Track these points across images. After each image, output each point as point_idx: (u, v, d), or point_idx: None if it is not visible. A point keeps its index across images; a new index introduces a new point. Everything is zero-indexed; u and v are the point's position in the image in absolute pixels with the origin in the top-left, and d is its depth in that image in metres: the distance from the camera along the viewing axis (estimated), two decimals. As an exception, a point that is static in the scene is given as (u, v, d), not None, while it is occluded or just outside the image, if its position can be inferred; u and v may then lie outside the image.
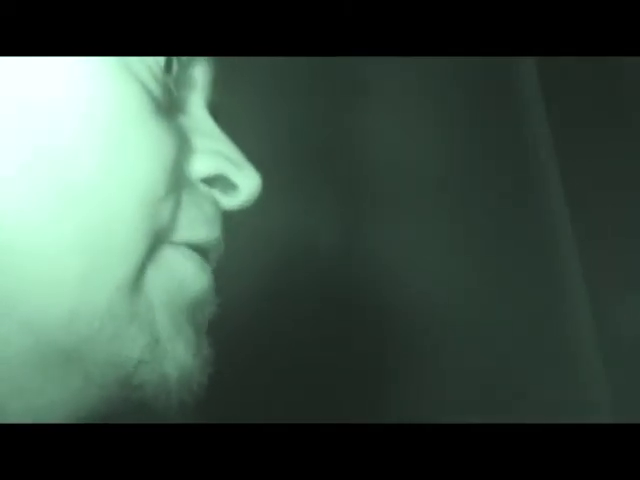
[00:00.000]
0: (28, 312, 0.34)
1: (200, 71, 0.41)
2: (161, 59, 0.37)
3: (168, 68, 0.38)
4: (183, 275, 0.39)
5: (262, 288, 0.86)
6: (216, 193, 0.41)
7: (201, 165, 0.40)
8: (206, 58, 0.41)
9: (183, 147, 0.38)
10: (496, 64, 1.30)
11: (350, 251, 1.04)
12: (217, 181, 0.41)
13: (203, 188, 0.41)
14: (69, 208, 0.34)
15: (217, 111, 0.43)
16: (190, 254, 0.39)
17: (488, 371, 1.14)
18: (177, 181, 0.37)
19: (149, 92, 0.36)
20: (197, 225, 0.39)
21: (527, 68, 1.36)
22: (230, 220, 0.42)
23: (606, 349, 1.29)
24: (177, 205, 0.38)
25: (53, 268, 0.34)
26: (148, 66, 0.37)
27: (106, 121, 0.35)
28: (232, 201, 0.42)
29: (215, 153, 0.41)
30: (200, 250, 0.40)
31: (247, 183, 0.41)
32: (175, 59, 0.38)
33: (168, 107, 0.38)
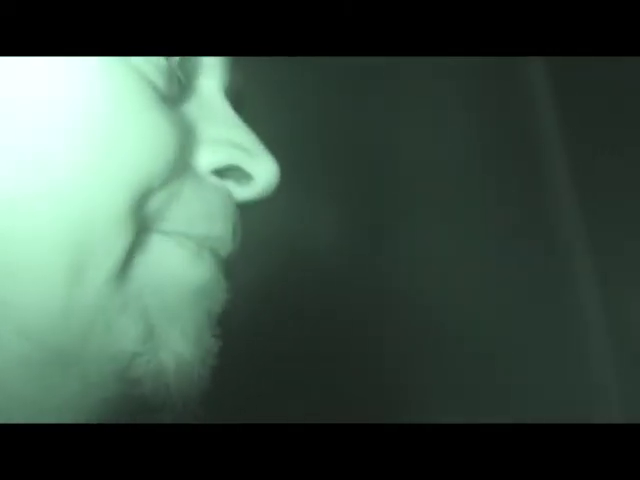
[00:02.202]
0: (22, 318, 0.33)
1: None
2: None
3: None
4: (175, 264, 0.37)
5: (267, 285, 0.86)
6: (230, 184, 0.40)
7: (211, 156, 0.39)
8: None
9: (187, 137, 0.37)
10: (505, 64, 1.30)
11: (354, 251, 1.04)
12: (231, 172, 0.39)
13: (213, 180, 0.39)
14: (53, 206, 0.33)
15: (240, 94, 0.42)
16: (184, 243, 0.37)
17: (492, 371, 1.14)
18: (177, 172, 0.36)
19: (146, 80, 0.35)
20: (197, 219, 0.38)
21: (535, 68, 1.36)
22: (246, 212, 0.40)
23: (616, 349, 1.28)
24: (175, 197, 0.36)
25: (41, 269, 0.33)
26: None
27: (95, 111, 0.33)
28: (247, 192, 0.40)
29: (226, 142, 0.39)
30: (199, 242, 0.38)
31: (262, 172, 0.39)
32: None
33: (172, 95, 0.37)
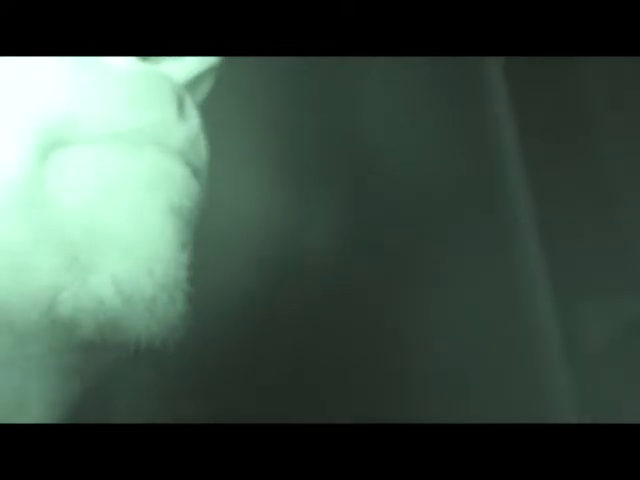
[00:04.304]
0: None
1: None
2: None
3: None
4: (99, 173, 0.31)
5: (257, 286, 0.86)
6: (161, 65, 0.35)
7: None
8: None
9: None
10: (465, 64, 1.31)
11: (347, 250, 1.05)
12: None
13: (134, 65, 0.34)
14: None
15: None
16: (107, 147, 0.31)
17: (458, 372, 1.15)
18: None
19: None
20: (116, 114, 0.32)
21: (495, 68, 1.37)
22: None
23: (570, 351, 1.30)
24: (78, 96, 0.31)
25: None
26: None
27: None
28: (182, 66, 0.35)
29: None
30: (130, 138, 0.32)
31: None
32: None
33: None
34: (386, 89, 1.17)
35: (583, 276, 1.26)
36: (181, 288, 0.32)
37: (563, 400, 1.28)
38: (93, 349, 0.31)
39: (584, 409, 1.22)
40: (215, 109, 0.43)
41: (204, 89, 0.39)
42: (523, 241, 1.35)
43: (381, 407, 1.02)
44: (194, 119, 0.35)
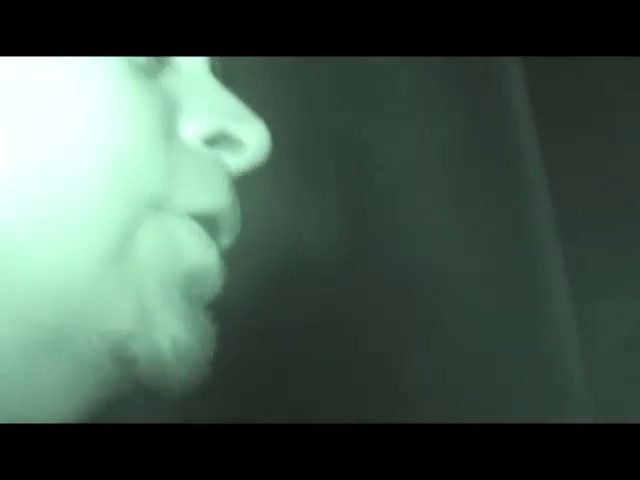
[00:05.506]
0: (17, 300, 0.33)
1: None
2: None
3: None
4: (178, 244, 0.36)
5: (265, 284, 0.86)
6: (221, 153, 0.39)
7: (199, 125, 0.38)
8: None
9: (171, 109, 0.36)
10: (484, 64, 1.30)
11: (353, 250, 1.04)
12: (221, 140, 0.38)
13: (205, 150, 0.38)
14: (47, 188, 0.33)
15: (228, 72, 0.41)
16: (188, 223, 0.37)
17: (469, 370, 1.14)
18: (166, 145, 0.35)
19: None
20: (199, 191, 0.37)
21: (514, 68, 1.36)
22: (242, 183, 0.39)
23: (587, 350, 1.29)
24: (170, 171, 0.35)
25: (31, 248, 0.33)
26: None
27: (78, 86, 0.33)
28: (240, 160, 0.39)
29: (213, 110, 0.38)
30: (203, 220, 0.37)
31: (253, 136, 0.39)
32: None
33: (151, 69, 0.36)
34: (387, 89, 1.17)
35: (601, 275, 1.25)
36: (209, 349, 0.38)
37: (579, 400, 1.27)
38: (134, 385, 0.36)
39: (600, 409, 1.22)
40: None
41: None
42: (541, 240, 1.34)
43: (400, 408, 1.02)
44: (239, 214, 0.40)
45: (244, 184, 0.40)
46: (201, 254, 0.37)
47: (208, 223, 0.37)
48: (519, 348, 1.22)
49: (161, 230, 0.35)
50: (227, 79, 0.40)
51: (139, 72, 0.35)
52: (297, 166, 0.94)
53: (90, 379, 0.35)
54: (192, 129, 0.37)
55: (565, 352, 1.30)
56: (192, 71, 0.39)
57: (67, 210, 0.33)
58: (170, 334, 0.36)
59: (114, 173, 0.34)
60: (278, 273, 0.89)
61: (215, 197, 0.38)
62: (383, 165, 1.13)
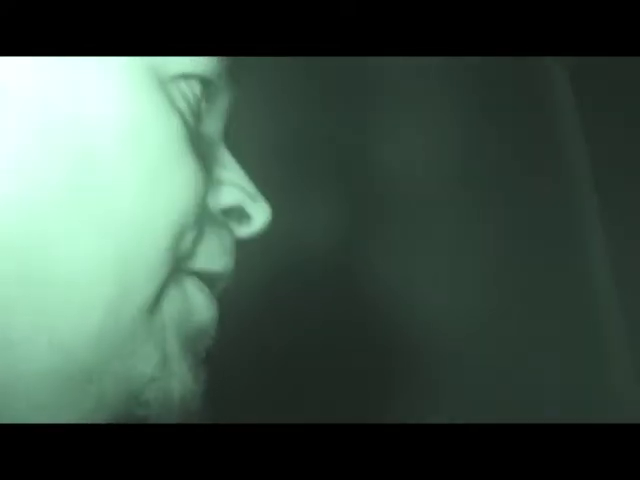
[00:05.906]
0: (57, 331, 0.34)
1: (224, 98, 0.43)
2: (197, 86, 0.38)
3: (202, 96, 0.39)
4: (193, 303, 0.40)
5: (263, 291, 0.86)
6: (232, 223, 0.43)
7: (222, 196, 0.42)
8: (229, 84, 0.42)
9: (208, 178, 0.39)
10: (523, 64, 1.31)
11: (355, 254, 1.04)
12: (233, 212, 0.43)
13: (222, 218, 0.42)
14: (105, 238, 0.35)
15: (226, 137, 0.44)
16: (200, 285, 0.40)
17: (509, 371, 1.14)
18: (201, 211, 0.39)
19: (185, 121, 0.38)
20: (216, 255, 0.41)
21: (558, 69, 1.37)
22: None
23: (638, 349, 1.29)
24: (199, 235, 0.39)
25: (86, 292, 0.35)
26: (183, 93, 0.38)
27: (145, 147, 0.36)
28: (245, 231, 0.44)
29: (234, 184, 0.43)
30: (210, 281, 0.41)
31: (260, 214, 0.44)
32: (211, 87, 0.39)
33: (195, 136, 0.39)
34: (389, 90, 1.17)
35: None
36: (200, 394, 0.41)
37: (629, 399, 1.27)
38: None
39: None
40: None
41: None
42: (593, 243, 1.35)
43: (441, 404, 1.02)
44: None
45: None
46: (206, 312, 0.41)
47: (212, 282, 0.42)
48: (574, 350, 1.22)
49: (180, 287, 0.39)
50: (231, 79, 0.41)
51: (192, 140, 0.38)
52: (297, 166, 0.94)
53: (105, 416, 0.37)
54: (217, 198, 0.42)
55: (615, 352, 1.30)
56: (214, 140, 0.43)
57: (121, 265, 0.36)
58: (183, 383, 0.39)
59: (168, 243, 0.37)
60: (278, 274, 0.89)
61: (224, 260, 0.42)
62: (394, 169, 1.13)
